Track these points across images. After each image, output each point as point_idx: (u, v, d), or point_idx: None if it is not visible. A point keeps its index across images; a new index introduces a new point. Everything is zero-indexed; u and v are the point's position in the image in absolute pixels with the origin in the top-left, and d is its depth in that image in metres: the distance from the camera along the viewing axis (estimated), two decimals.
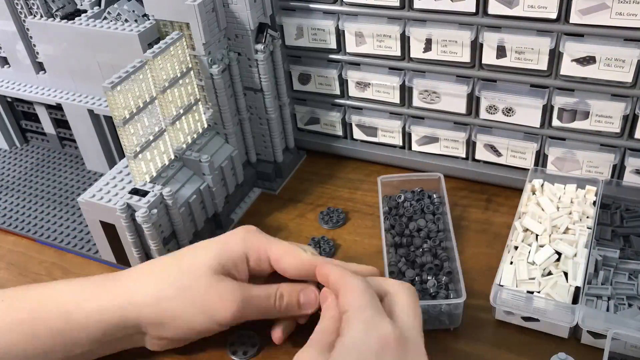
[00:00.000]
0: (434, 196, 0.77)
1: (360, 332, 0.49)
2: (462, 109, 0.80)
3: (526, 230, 0.70)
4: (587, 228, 0.68)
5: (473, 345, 0.64)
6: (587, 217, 0.70)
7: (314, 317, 0.60)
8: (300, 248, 0.62)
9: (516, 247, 0.68)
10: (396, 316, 0.52)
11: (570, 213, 0.71)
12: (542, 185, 0.75)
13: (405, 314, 0.53)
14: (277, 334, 0.62)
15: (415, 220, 0.74)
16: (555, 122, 0.76)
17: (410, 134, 0.86)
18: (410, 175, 0.80)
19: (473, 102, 0.79)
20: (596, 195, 0.72)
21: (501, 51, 0.73)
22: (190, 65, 0.74)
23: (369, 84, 0.83)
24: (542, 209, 0.72)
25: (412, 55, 0.78)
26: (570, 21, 0.68)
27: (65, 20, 0.81)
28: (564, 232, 0.69)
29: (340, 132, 0.91)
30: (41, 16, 0.84)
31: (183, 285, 0.58)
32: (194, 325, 0.59)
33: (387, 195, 0.79)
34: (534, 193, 0.75)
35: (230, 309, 0.57)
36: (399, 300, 0.54)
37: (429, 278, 0.68)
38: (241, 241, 0.61)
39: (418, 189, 0.78)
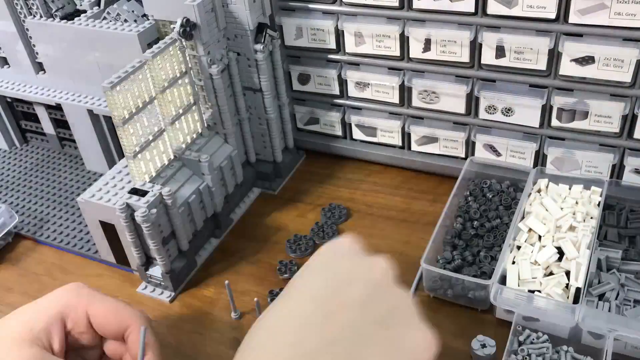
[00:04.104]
0: (515, 192, 0.78)
1: None
2: (462, 109, 0.80)
3: (530, 230, 0.70)
4: (592, 228, 0.68)
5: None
6: (591, 218, 0.70)
7: None
8: (128, 305, 0.55)
9: (519, 247, 0.68)
10: None
11: (574, 213, 0.71)
12: (547, 185, 0.75)
13: None
14: None
15: (487, 212, 0.76)
16: (555, 122, 0.76)
17: (409, 134, 0.86)
18: (500, 161, 0.81)
19: (472, 102, 0.79)
20: (601, 196, 0.72)
21: (500, 51, 0.73)
22: (189, 65, 0.74)
23: (369, 84, 0.83)
24: (546, 209, 0.72)
25: (411, 55, 0.78)
26: (569, 21, 0.68)
27: (65, 20, 0.81)
28: (567, 232, 0.69)
29: (339, 132, 0.91)
30: (41, 16, 0.84)
31: None
32: None
33: (472, 180, 0.80)
34: (539, 192, 0.75)
35: None
36: None
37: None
38: (58, 299, 0.53)
39: (508, 182, 0.79)
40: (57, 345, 0.51)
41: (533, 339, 0.62)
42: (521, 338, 0.62)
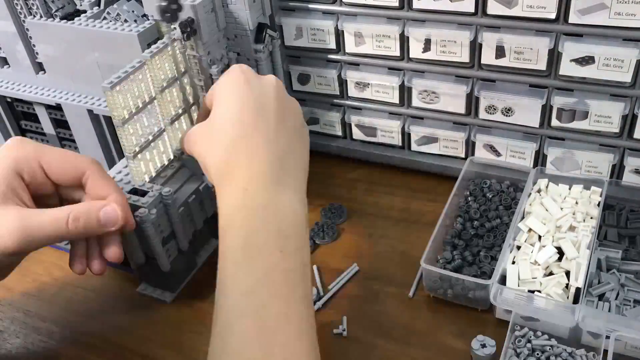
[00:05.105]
0: (515, 192, 0.78)
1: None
2: (462, 109, 0.80)
3: (530, 230, 0.70)
4: (592, 228, 0.68)
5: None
6: (591, 218, 0.70)
7: None
8: (75, 153, 0.58)
9: (519, 247, 0.68)
10: None
11: (574, 214, 0.71)
12: (547, 185, 0.75)
13: None
14: (96, 265, 0.59)
15: (487, 212, 0.76)
16: (555, 122, 0.76)
17: (409, 134, 0.86)
18: (500, 161, 0.81)
19: (472, 102, 0.79)
20: (601, 196, 0.73)
21: (500, 51, 0.73)
22: (189, 65, 0.74)
23: (368, 84, 0.83)
24: (546, 209, 0.72)
25: (411, 56, 0.78)
26: (569, 21, 0.68)
27: (65, 21, 0.81)
28: (567, 232, 0.69)
29: (339, 132, 0.91)
30: (41, 16, 0.84)
31: None
32: None
33: (472, 180, 0.80)
34: (539, 192, 0.75)
35: (11, 237, 0.52)
36: None
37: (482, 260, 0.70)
38: (5, 158, 0.55)
39: (508, 182, 0.79)
40: (27, 199, 0.54)
41: (532, 339, 0.62)
42: (520, 336, 0.62)
